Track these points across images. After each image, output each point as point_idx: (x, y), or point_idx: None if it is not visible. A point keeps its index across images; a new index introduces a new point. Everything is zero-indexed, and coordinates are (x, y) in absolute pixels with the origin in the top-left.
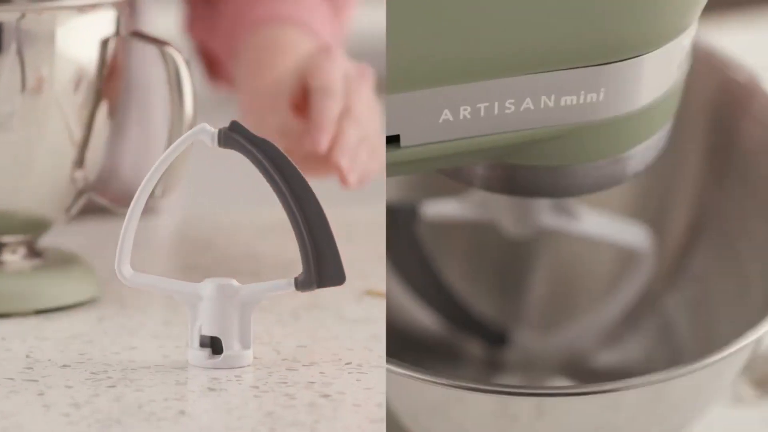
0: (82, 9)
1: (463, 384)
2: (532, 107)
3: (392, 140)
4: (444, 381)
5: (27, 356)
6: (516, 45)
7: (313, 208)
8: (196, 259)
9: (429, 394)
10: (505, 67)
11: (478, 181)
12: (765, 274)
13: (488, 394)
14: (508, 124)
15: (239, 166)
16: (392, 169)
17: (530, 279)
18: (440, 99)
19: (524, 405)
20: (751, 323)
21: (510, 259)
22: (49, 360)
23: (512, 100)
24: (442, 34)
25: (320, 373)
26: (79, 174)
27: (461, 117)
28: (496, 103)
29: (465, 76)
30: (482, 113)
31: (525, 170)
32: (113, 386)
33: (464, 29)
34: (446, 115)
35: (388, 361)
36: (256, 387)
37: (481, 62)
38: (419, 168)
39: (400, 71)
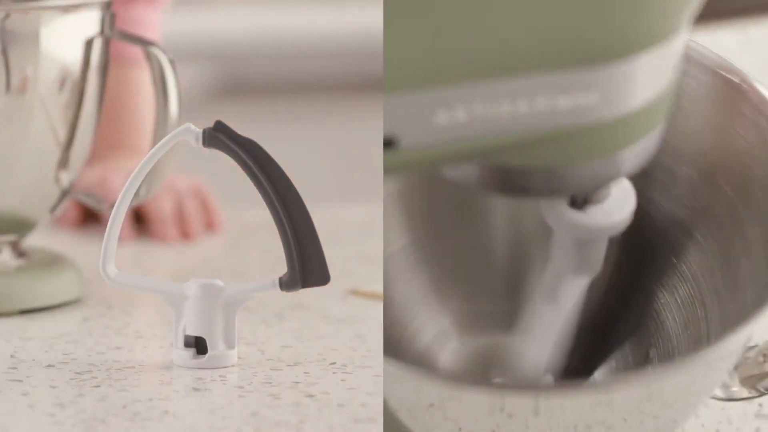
0: (66, 9)
1: (460, 381)
2: (527, 109)
3: (388, 141)
4: (441, 378)
5: (11, 356)
6: (512, 46)
7: (298, 208)
8: (181, 259)
9: (426, 391)
10: (500, 69)
11: (473, 182)
12: (755, 273)
13: (485, 392)
14: (503, 126)
15: (224, 166)
16: (388, 170)
17: (529, 277)
18: (436, 100)
19: (520, 402)
20: (742, 321)
21: (509, 257)
22: (34, 360)
23: (507, 102)
24: (438, 36)
25: (305, 373)
26: (64, 174)
27: (456, 118)
28: (492, 105)
29: (460, 78)
30: (477, 114)
31: (519, 171)
32: (98, 386)
33: (459, 30)
34: (442, 116)
35: (384, 359)
36: (241, 387)
37: (477, 63)
38: (414, 169)
39: (396, 72)
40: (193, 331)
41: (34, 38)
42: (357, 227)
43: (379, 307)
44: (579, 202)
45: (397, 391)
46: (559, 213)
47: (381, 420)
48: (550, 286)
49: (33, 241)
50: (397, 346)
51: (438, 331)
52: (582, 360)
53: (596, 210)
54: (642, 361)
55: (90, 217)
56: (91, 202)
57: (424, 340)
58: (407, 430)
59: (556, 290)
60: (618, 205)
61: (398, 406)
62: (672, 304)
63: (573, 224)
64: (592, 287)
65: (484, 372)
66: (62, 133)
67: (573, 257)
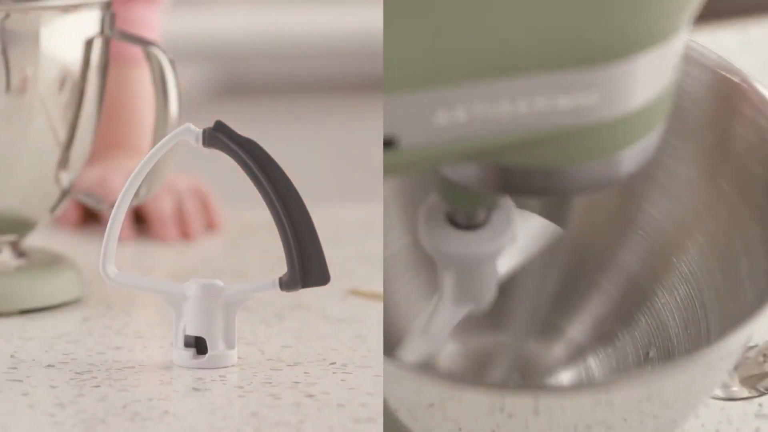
0: (66, 9)
1: (460, 381)
2: (527, 109)
3: (388, 141)
4: (441, 378)
5: (11, 356)
6: (512, 46)
7: (298, 208)
8: (181, 259)
9: (426, 391)
10: (500, 69)
11: (474, 182)
12: (754, 273)
13: (484, 392)
14: (503, 126)
15: (224, 166)
16: (388, 170)
17: (528, 277)
18: (436, 100)
19: (520, 402)
20: (742, 321)
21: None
22: (34, 360)
23: (507, 102)
24: (438, 36)
25: (305, 373)
26: (64, 174)
27: (456, 118)
28: (492, 105)
29: (460, 78)
30: (477, 114)
31: (519, 171)
32: (98, 386)
33: (459, 30)
34: (442, 116)
35: (384, 359)
36: (241, 387)
37: (477, 63)
38: (414, 169)
39: (396, 72)
40: (193, 331)
41: (34, 38)
42: (357, 227)
43: (379, 307)
44: (461, 225)
45: (397, 391)
46: (436, 241)
47: (381, 420)
48: (429, 317)
49: (33, 241)
50: (397, 346)
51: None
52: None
53: (473, 237)
54: (642, 361)
55: (90, 217)
56: (91, 202)
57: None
58: (407, 430)
59: (431, 321)
60: (496, 233)
61: (398, 406)
62: (672, 304)
63: (450, 253)
64: (591, 287)
65: (484, 372)
66: (62, 133)
67: (455, 286)
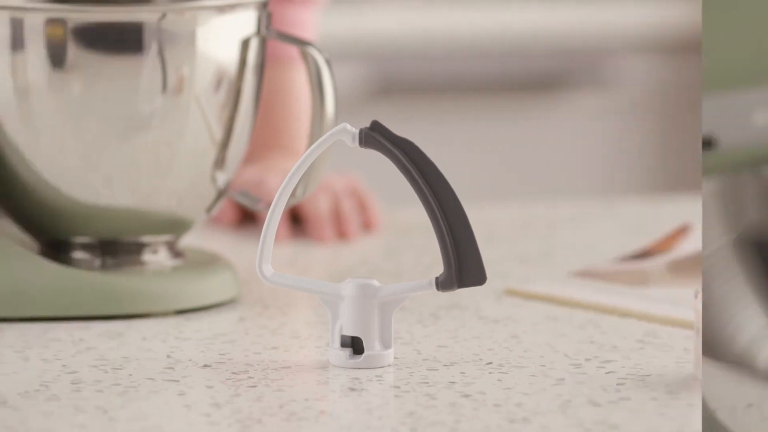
0: (222, 9)
1: None
2: None
3: (708, 141)
4: (761, 378)
5: (168, 356)
6: None
7: (454, 208)
8: (337, 259)
9: (744, 391)
10: None
11: None
12: None
13: None
14: None
15: (380, 165)
16: (708, 170)
17: None
18: (754, 100)
19: None
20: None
21: None
22: (190, 360)
23: None
24: (762, 33)
25: (461, 373)
26: (220, 174)
27: None
28: None
29: None
30: None
31: None
32: (254, 386)
33: None
34: (760, 116)
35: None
36: (397, 387)
37: None
38: (733, 169)
39: (716, 69)
40: (349, 331)
41: (190, 38)
42: (512, 227)
43: (534, 306)
44: None
45: (716, 390)
46: None
47: (535, 420)
48: None
49: (189, 241)
50: (717, 346)
51: (757, 330)
52: None
53: None
54: None
55: (246, 217)
56: (247, 202)
57: (743, 340)
58: (726, 429)
59: None
60: None
61: (717, 406)
62: None
63: None
64: None
65: None
66: (218, 133)
67: None
